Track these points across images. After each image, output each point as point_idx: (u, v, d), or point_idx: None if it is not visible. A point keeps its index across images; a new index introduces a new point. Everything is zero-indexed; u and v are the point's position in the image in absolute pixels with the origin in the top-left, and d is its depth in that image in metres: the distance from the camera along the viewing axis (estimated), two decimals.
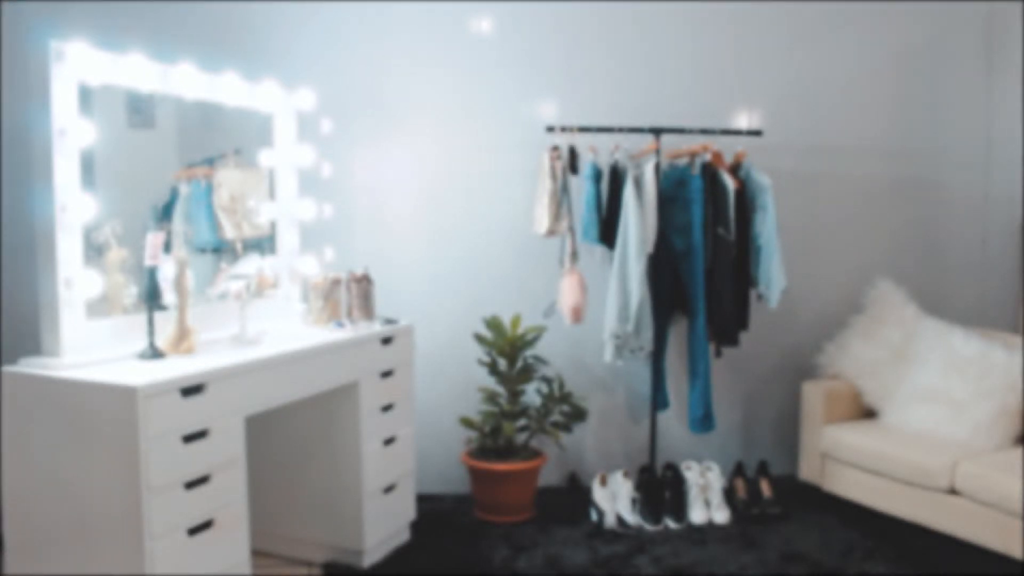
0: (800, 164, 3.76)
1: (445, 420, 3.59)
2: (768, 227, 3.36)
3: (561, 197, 3.33)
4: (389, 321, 3.06)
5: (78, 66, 2.27)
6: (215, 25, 3.38)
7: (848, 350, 3.51)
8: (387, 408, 2.95)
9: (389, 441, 2.96)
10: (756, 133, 3.49)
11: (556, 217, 3.34)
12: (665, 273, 3.41)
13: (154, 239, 2.37)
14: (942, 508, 2.93)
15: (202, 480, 2.21)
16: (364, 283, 3.06)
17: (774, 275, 3.35)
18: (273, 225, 3.14)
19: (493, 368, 3.42)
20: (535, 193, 3.39)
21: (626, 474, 3.51)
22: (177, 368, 2.22)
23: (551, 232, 3.35)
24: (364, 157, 3.58)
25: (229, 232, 2.95)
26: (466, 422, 3.45)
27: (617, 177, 3.44)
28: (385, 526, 2.96)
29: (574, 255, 3.39)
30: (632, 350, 3.35)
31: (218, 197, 2.91)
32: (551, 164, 3.31)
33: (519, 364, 3.43)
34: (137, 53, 2.47)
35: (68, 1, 3.09)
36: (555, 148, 3.33)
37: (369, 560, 2.91)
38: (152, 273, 2.37)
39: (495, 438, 3.41)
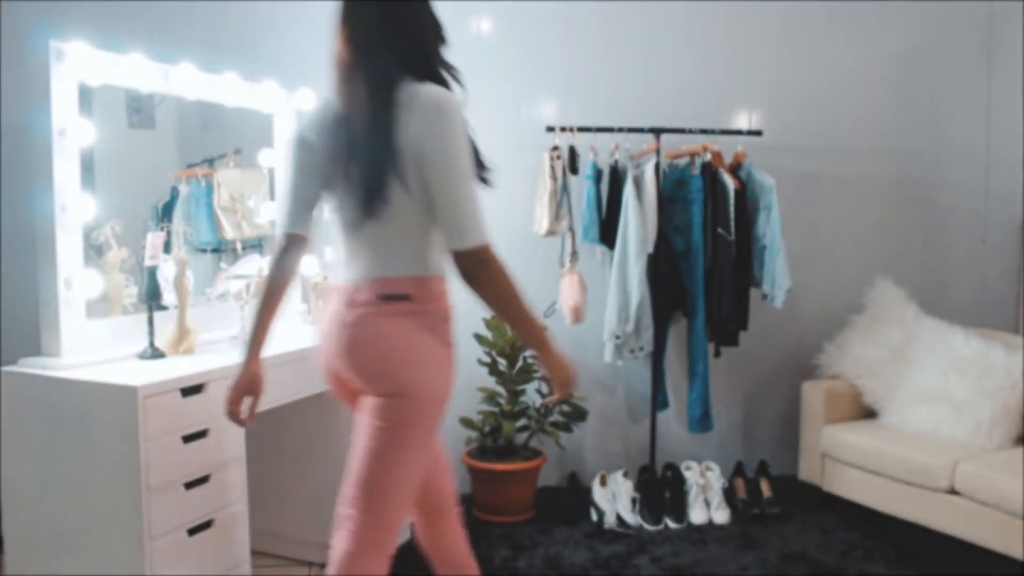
0: (800, 164, 3.76)
1: (445, 420, 3.58)
2: (772, 227, 3.36)
3: (561, 197, 3.33)
4: None
5: (78, 66, 2.27)
6: (215, 25, 3.38)
7: (848, 350, 3.51)
8: None
9: None
10: (756, 133, 3.49)
11: (556, 217, 3.34)
12: (665, 273, 3.41)
13: (154, 239, 2.37)
14: (942, 508, 2.93)
15: (202, 480, 2.21)
16: None
17: (779, 275, 3.35)
18: (273, 225, 3.14)
19: (493, 368, 3.42)
20: (535, 193, 3.39)
21: (626, 474, 3.51)
22: (177, 368, 2.22)
23: (551, 232, 3.35)
24: None
25: (229, 232, 2.95)
26: (466, 422, 3.45)
27: (617, 177, 3.44)
28: None
29: (574, 255, 3.39)
30: (632, 350, 3.35)
31: (218, 197, 2.91)
32: (551, 164, 3.31)
33: (519, 364, 3.43)
34: (137, 53, 2.47)
35: (68, 1, 3.09)
36: (555, 148, 3.33)
37: None
38: (152, 273, 2.37)
39: (495, 438, 3.41)
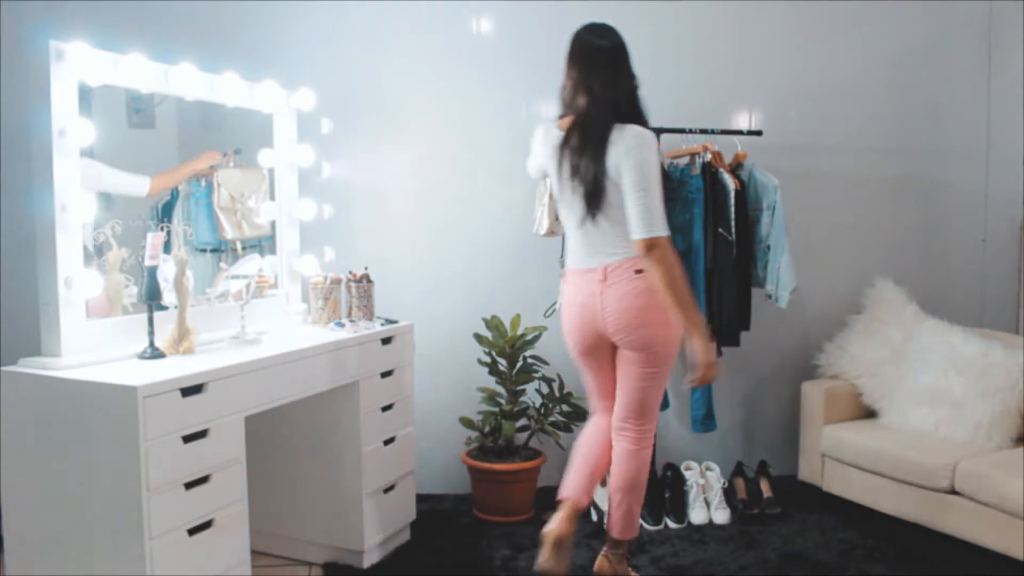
0: (800, 164, 3.76)
1: (445, 420, 3.59)
2: (777, 227, 3.36)
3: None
4: (389, 321, 3.06)
5: (78, 66, 2.27)
6: (215, 25, 3.38)
7: (848, 350, 3.51)
8: (387, 408, 2.95)
9: (389, 441, 2.96)
10: (756, 133, 3.49)
11: (557, 217, 3.33)
12: None
13: (154, 239, 2.37)
14: (942, 508, 2.93)
15: (202, 480, 2.21)
16: (364, 283, 3.07)
17: (783, 275, 3.35)
18: (273, 225, 3.14)
19: (493, 368, 3.42)
20: (536, 193, 3.38)
21: None
22: (177, 368, 2.22)
23: (551, 232, 3.34)
24: (364, 157, 3.59)
25: (229, 232, 2.95)
26: (466, 422, 3.45)
27: None
28: (385, 526, 2.96)
29: None
30: None
31: (218, 197, 2.91)
32: None
33: (519, 364, 3.43)
34: (137, 53, 2.47)
35: (68, 1, 3.09)
36: None
37: (369, 560, 2.91)
38: (152, 273, 2.37)
39: (495, 438, 3.41)
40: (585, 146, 2.38)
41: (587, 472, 2.62)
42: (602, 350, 2.56)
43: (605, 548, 2.70)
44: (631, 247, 2.38)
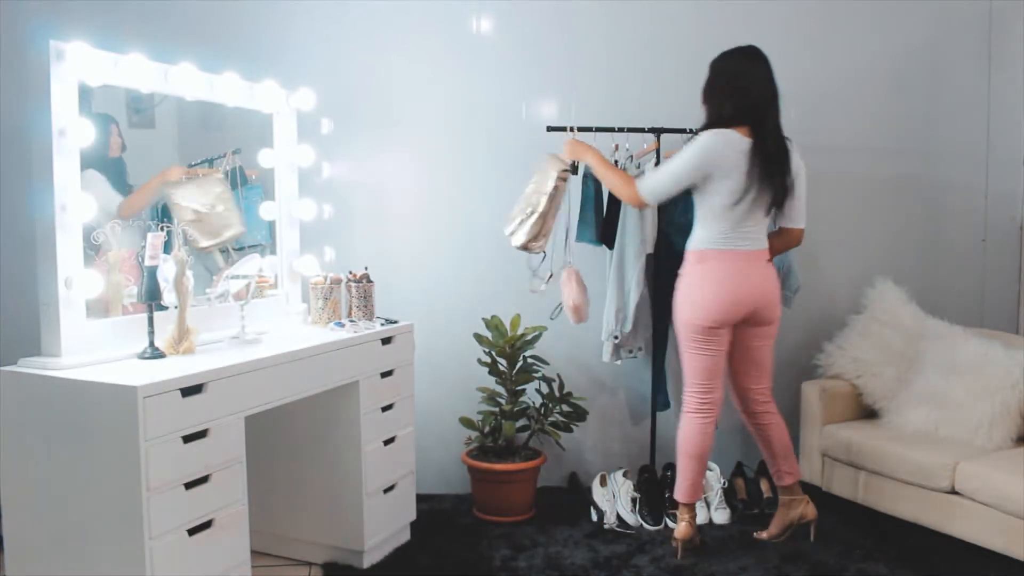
0: None
1: (445, 420, 3.59)
2: None
3: (549, 220, 3.11)
4: (389, 321, 3.06)
5: (78, 66, 2.27)
6: (215, 25, 3.38)
7: (848, 350, 3.51)
8: (387, 408, 2.95)
9: (389, 441, 2.96)
10: None
11: (536, 237, 3.10)
12: (665, 273, 3.40)
13: (154, 239, 2.37)
14: (942, 508, 2.93)
15: (202, 480, 2.21)
16: (364, 283, 3.07)
17: (787, 276, 3.35)
18: (273, 225, 3.14)
19: (493, 368, 3.42)
20: (523, 196, 3.17)
21: (626, 474, 3.51)
22: (177, 368, 2.22)
23: (524, 248, 3.12)
24: (364, 157, 3.58)
25: (202, 241, 2.71)
26: (466, 422, 3.45)
27: None
28: (385, 526, 2.96)
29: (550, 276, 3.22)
30: (630, 350, 3.35)
31: (178, 216, 2.67)
32: (555, 183, 3.08)
33: (519, 364, 3.43)
34: (137, 53, 2.47)
35: (68, 1, 3.09)
36: (565, 169, 3.08)
37: (369, 560, 2.91)
38: (152, 273, 2.37)
39: (495, 438, 3.41)
40: (782, 155, 2.84)
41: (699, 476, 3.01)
42: (729, 325, 2.88)
43: (786, 498, 3.06)
44: (765, 238, 2.89)
